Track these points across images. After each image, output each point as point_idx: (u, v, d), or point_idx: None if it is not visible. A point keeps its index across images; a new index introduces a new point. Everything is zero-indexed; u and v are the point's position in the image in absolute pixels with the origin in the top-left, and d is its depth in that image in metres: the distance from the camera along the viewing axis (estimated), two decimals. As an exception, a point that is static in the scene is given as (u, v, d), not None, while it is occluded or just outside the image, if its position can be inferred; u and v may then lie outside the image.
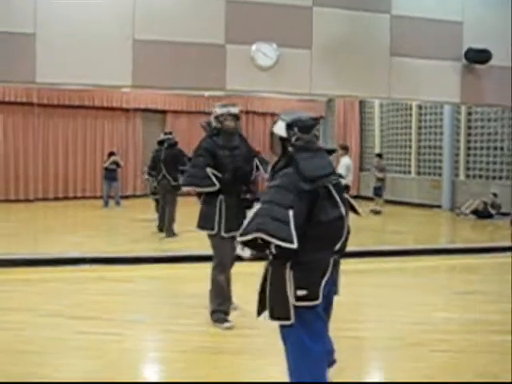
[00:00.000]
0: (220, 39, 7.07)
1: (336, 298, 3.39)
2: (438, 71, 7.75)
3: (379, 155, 15.02)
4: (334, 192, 3.18)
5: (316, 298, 3.08)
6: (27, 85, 7.88)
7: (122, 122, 16.86)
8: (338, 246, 3.20)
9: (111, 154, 14.60)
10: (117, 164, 14.46)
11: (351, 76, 7.54)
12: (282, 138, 3.27)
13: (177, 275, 7.05)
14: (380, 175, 14.13)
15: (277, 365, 3.71)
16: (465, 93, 7.93)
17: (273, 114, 17.63)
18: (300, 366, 3.16)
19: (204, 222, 4.94)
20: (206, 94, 12.12)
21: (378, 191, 14.11)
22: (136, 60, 6.87)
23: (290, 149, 3.22)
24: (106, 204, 14.31)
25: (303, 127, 3.27)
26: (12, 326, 4.90)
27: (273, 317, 3.19)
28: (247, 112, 17.38)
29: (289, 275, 3.07)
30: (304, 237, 3.03)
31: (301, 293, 3.05)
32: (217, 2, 7.03)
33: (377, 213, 13.73)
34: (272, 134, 3.35)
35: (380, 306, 5.84)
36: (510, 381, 3.51)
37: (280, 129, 3.28)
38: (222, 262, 4.89)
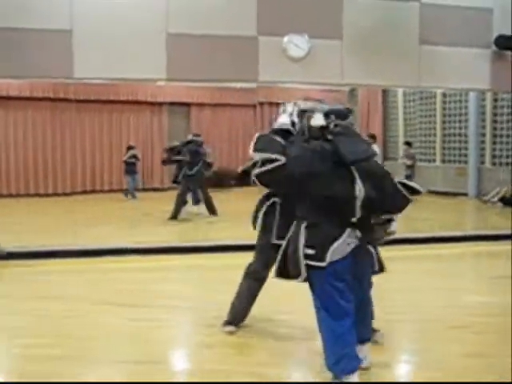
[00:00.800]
0: (252, 31, 7.17)
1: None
2: (467, 58, 7.76)
3: (408, 143, 15.08)
4: (356, 173, 3.35)
5: (322, 260, 3.31)
6: (66, 80, 8.01)
7: (148, 115, 17.06)
8: (353, 220, 3.40)
9: (130, 147, 14.86)
10: (135, 157, 14.70)
11: (381, 65, 7.58)
12: (321, 128, 3.47)
13: (219, 264, 7.19)
14: (409, 163, 14.20)
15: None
16: (495, 80, 7.93)
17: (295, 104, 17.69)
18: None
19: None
20: (239, 85, 12.44)
21: (409, 179, 14.13)
22: (170, 53, 7.00)
23: (329, 136, 3.40)
24: (134, 196, 14.58)
25: (340, 114, 3.56)
26: (70, 313, 5.09)
27: (282, 275, 3.57)
28: (270, 103, 17.47)
29: (303, 233, 3.38)
30: (320, 206, 3.36)
31: (309, 251, 3.33)
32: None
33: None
34: (310, 128, 3.54)
35: (412, 291, 5.93)
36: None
37: (318, 119, 3.51)
38: (265, 271, 4.49)
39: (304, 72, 7.36)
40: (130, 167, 14.63)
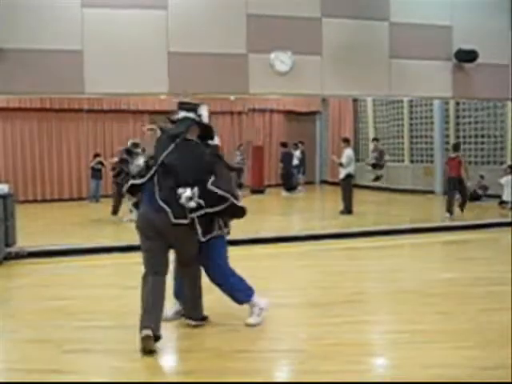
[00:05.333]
0: (242, 49, 8.12)
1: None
2: (431, 70, 8.86)
3: (376, 139, 16.56)
4: None
5: None
6: (77, 95, 8.75)
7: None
8: None
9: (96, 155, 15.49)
10: (101, 163, 15.24)
11: (356, 77, 8.63)
12: None
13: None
14: (376, 155, 15.75)
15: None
16: (456, 88, 9.05)
17: (271, 111, 18.72)
18: None
19: None
20: (232, 97, 13.25)
21: (377, 161, 15.72)
22: (171, 70, 7.89)
23: None
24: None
25: None
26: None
27: None
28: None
29: None
30: None
31: None
32: (239, 18, 8.08)
33: (378, 178, 15.28)
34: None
35: (400, 271, 6.96)
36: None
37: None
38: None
39: (289, 84, 8.33)
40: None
